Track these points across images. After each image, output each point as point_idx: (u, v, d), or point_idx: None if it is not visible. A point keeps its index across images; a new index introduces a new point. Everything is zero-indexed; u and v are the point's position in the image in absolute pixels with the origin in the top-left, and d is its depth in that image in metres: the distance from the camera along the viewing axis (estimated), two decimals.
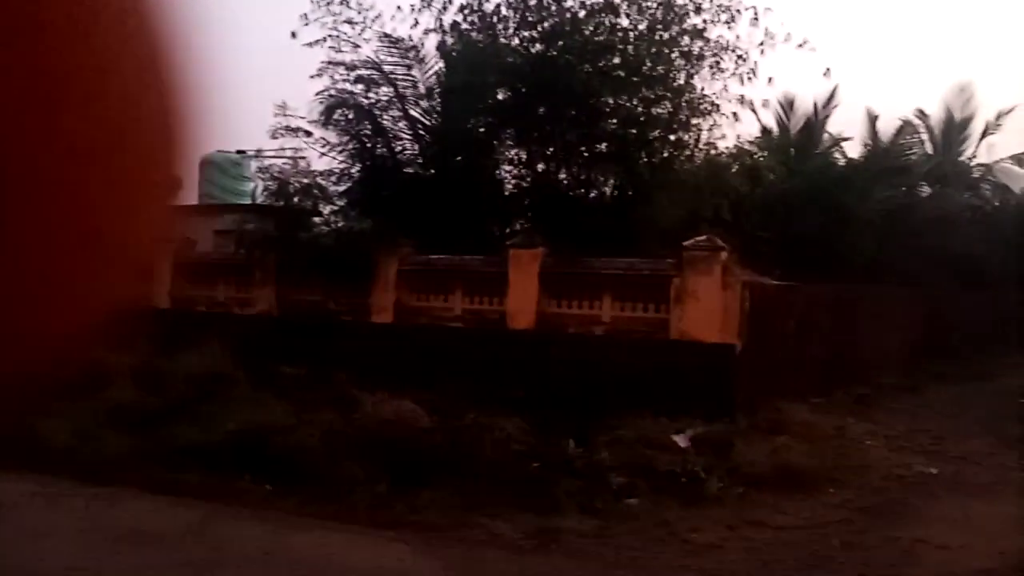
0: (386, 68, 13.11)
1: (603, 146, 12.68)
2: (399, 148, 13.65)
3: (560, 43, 12.25)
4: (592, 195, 13.10)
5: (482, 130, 13.04)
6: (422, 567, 5.73)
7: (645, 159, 12.43)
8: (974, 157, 21.41)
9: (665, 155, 12.80)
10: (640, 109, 12.44)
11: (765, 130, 17.84)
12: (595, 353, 10.22)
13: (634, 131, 12.31)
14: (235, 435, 7.93)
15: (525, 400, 9.16)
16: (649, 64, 12.24)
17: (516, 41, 12.87)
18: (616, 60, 12.28)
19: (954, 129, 21.24)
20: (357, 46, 13.00)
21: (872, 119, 19.40)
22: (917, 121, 20.46)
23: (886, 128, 19.28)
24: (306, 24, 12.91)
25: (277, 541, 5.99)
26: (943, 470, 8.62)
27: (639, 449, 8.11)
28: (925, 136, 20.87)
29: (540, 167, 13.19)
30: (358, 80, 13.11)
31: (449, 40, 13.10)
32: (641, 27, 12.42)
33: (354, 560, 5.80)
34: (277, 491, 7.16)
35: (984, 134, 21.37)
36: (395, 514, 6.65)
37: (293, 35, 13.06)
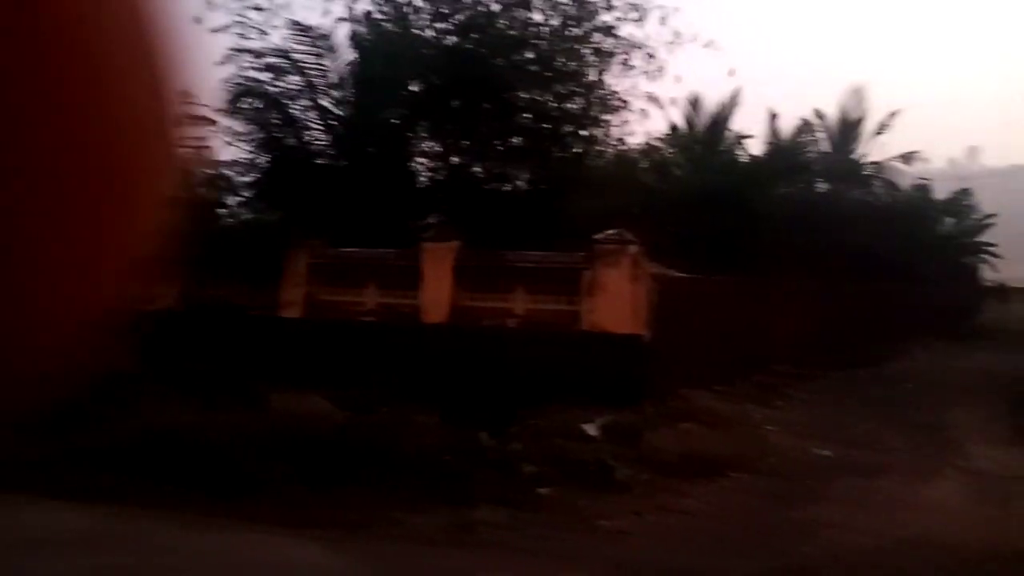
0: (295, 56, 12.81)
1: (517, 140, 12.78)
2: (309, 138, 13.37)
3: (474, 36, 12.26)
4: (507, 189, 13.19)
5: (395, 122, 12.92)
6: (335, 564, 5.66)
7: (559, 154, 12.60)
8: (866, 155, 22.63)
9: (578, 150, 13.01)
10: (553, 104, 12.60)
11: (673, 127, 18.36)
12: (509, 345, 10.31)
13: (548, 126, 12.46)
14: (141, 436, 7.63)
15: (440, 394, 9.16)
16: (562, 60, 12.41)
17: (430, 33, 12.80)
18: (530, 55, 12.39)
19: (848, 129, 22.41)
20: (265, 33, 12.65)
21: (773, 118, 20.24)
22: (815, 121, 21.47)
23: (786, 127, 20.15)
24: (211, 9, 12.48)
25: (186, 543, 5.81)
26: (837, 453, 9.11)
27: (552, 439, 8.25)
28: (822, 135, 21.92)
29: (455, 160, 13.18)
30: (266, 68, 12.76)
31: (361, 30, 12.91)
32: (554, 23, 12.58)
33: (266, 560, 5.68)
34: (185, 493, 6.93)
35: (876, 133, 22.66)
36: (308, 512, 6.54)
37: (198, 21, 12.58)
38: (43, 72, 0.46)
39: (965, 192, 31.30)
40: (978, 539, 6.16)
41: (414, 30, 12.73)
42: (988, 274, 36.32)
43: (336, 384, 9.22)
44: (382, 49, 12.49)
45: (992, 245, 33.52)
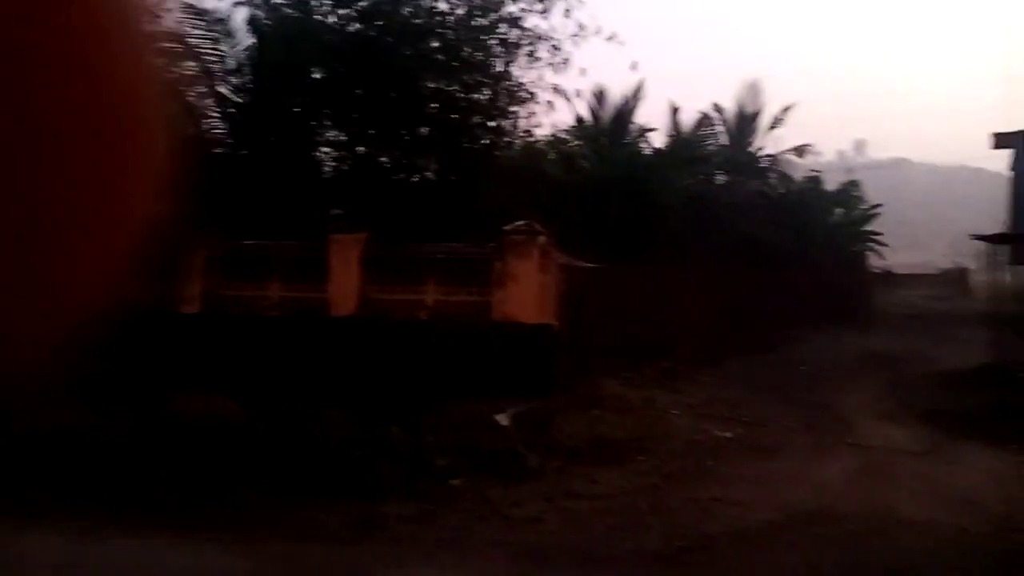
0: (190, 41, 12.26)
1: (425, 130, 12.65)
2: (206, 126, 12.84)
3: (378, 24, 12.04)
4: (415, 179, 13.04)
5: (298, 110, 12.56)
6: (237, 567, 5.49)
7: (467, 144, 12.54)
8: (762, 148, 23.57)
9: (486, 141, 12.99)
10: (461, 95, 12.53)
11: (579, 120, 18.61)
12: (420, 337, 10.22)
13: (455, 116, 12.37)
14: (27, 440, 7.17)
15: (349, 388, 9.01)
16: (468, 50, 12.35)
17: (332, 19, 12.49)
18: (435, 44, 12.27)
19: (745, 122, 23.25)
20: (157, 16, 12.04)
21: (674, 111, 20.79)
22: (714, 114, 22.18)
23: (686, 120, 20.74)
24: None
25: (77, 552, 5.50)
26: (737, 434, 9.48)
27: (463, 431, 8.24)
28: (721, 128, 22.68)
29: (360, 149, 12.93)
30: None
31: (260, 14, 12.48)
32: (459, 12, 12.49)
33: (163, 565, 5.45)
34: (76, 499, 6.56)
35: (771, 127, 23.61)
36: (209, 514, 6.31)
37: None
38: (37, 68, 0.45)
39: (853, 183, 33.00)
40: (867, 511, 6.53)
41: (316, 16, 12.40)
42: (875, 261, 38.51)
43: (240, 381, 8.92)
44: (282, 35, 12.10)
45: (878, 233, 35.53)
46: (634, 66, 16.37)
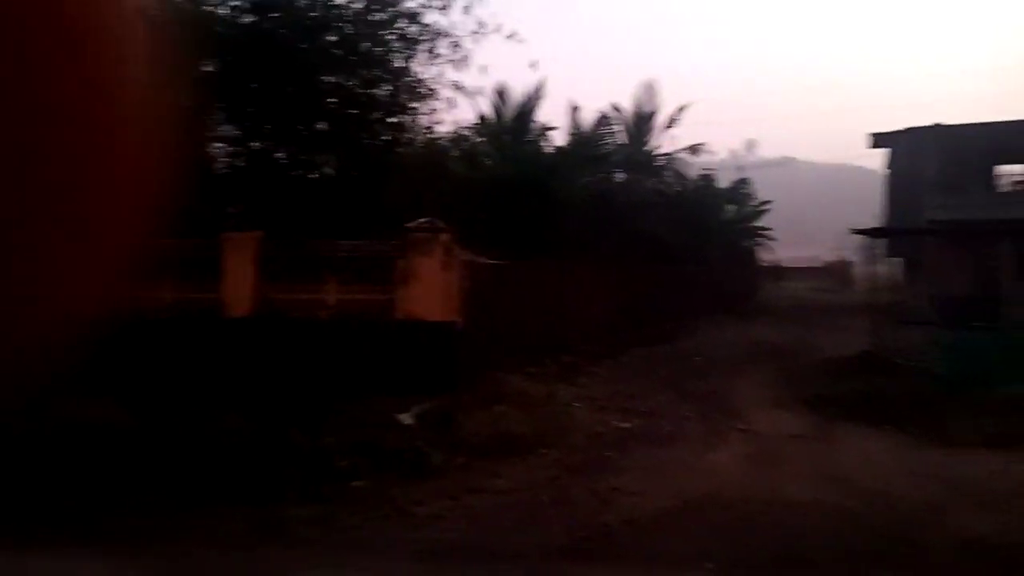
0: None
1: (323, 125, 12.40)
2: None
3: (273, 16, 11.72)
4: (314, 176, 12.77)
5: (188, 104, 12.05)
6: None
7: (367, 140, 12.38)
8: (659, 147, 24.31)
9: (387, 137, 12.85)
10: (360, 90, 12.35)
11: (482, 117, 18.69)
12: (321, 337, 10.05)
13: (354, 111, 12.19)
14: None
15: (248, 390, 8.76)
16: (367, 44, 12.18)
17: (224, 11, 12.07)
18: (333, 38, 12.04)
19: (642, 122, 23.91)
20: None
21: (574, 110, 21.19)
22: (612, 114, 22.72)
23: (586, 119, 21.17)
24: None
25: None
26: (635, 425, 9.77)
27: (365, 430, 8.16)
28: (619, 127, 23.25)
29: (255, 145, 12.55)
30: None
31: (148, 3, 11.90)
32: (357, 6, 12.30)
33: None
34: None
35: (667, 127, 24.38)
36: (95, 526, 6.01)
37: None
38: (31, 79, 0.45)
39: (744, 181, 34.51)
40: (757, 494, 6.87)
41: (206, 7, 11.95)
42: (765, 255, 40.39)
43: (131, 387, 8.53)
44: (171, 24, 11.59)
45: (768, 229, 37.29)
46: (534, 65, 16.58)
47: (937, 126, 29.54)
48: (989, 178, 31.84)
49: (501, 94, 18.90)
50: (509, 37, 13.81)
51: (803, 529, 6.01)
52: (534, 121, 18.97)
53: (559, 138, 19.97)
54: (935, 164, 28.35)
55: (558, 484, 7.25)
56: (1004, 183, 32.38)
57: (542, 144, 18.95)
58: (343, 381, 9.21)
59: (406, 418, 8.63)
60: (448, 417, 8.81)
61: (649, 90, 24.14)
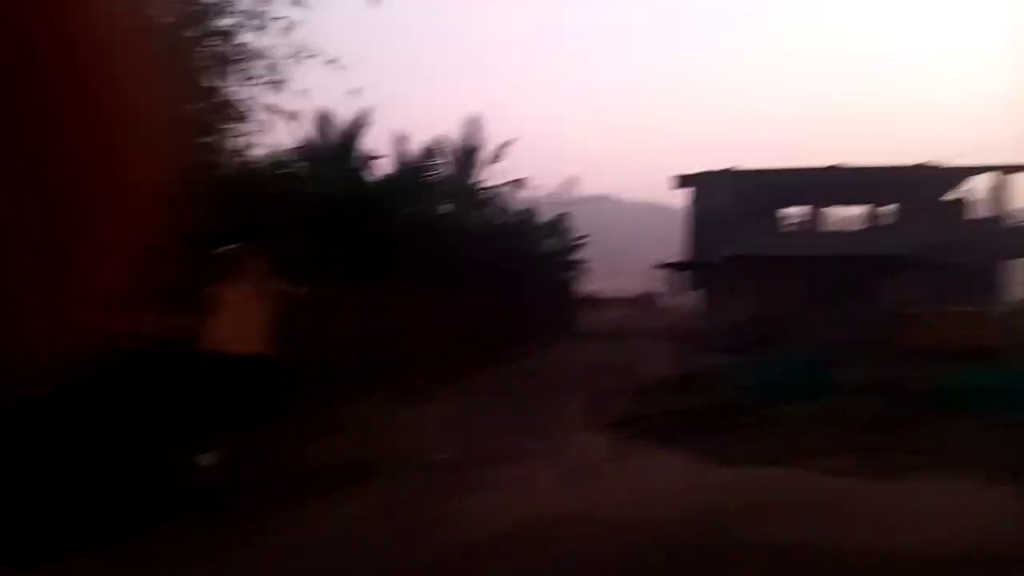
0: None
1: None
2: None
3: None
4: None
5: None
6: None
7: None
8: (484, 180, 24.90)
9: (199, 159, 12.16)
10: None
11: (304, 142, 18.21)
12: (120, 372, 9.22)
13: None
14: None
15: (41, 431, 7.83)
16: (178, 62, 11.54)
17: None
18: None
19: (468, 155, 24.42)
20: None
21: (400, 140, 21.24)
22: (439, 145, 23.02)
23: (413, 150, 21.29)
24: None
25: None
26: (468, 448, 9.83)
27: (169, 472, 7.57)
28: (446, 159, 23.58)
29: None
30: None
31: None
32: (167, 21, 11.63)
33: None
34: None
35: (493, 161, 25.04)
36: None
37: None
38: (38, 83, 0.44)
39: (563, 216, 36.11)
40: (575, 514, 7.10)
41: None
42: (583, 286, 42.36)
43: None
44: None
45: (585, 261, 39.17)
46: (358, 91, 16.43)
47: (730, 170, 32.56)
48: (775, 218, 35.47)
49: (324, 120, 18.54)
50: (330, 63, 13.59)
51: (615, 544, 6.27)
52: (358, 148, 18.76)
53: (385, 167, 19.90)
54: (729, 204, 31.20)
55: (388, 513, 7.09)
56: (788, 223, 36.20)
57: (367, 172, 18.77)
58: (146, 418, 8.50)
59: (208, 458, 8.09)
60: (267, 451, 8.38)
61: (475, 125, 24.72)
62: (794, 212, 36.11)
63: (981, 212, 32.72)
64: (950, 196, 33.84)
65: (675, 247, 38.02)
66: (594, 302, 46.75)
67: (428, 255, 17.33)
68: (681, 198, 38.23)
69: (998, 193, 32.37)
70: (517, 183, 26.57)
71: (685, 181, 34.70)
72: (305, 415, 9.86)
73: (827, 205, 35.90)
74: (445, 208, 21.90)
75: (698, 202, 34.70)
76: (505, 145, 25.06)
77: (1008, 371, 14.04)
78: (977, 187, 33.26)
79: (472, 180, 24.32)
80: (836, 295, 24.69)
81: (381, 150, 20.00)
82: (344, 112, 18.89)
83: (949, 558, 5.78)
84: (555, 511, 7.13)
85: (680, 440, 10.28)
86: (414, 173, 20.01)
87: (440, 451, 9.71)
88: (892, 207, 35.12)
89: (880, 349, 18.21)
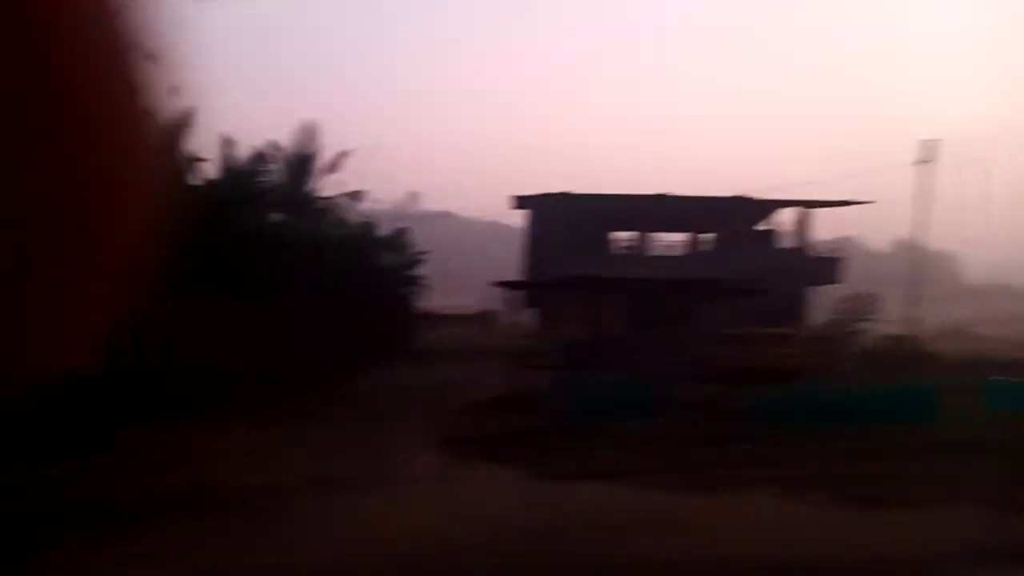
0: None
1: None
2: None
3: None
4: None
5: None
6: None
7: None
8: (319, 190, 24.03)
9: None
10: None
11: None
12: None
13: None
14: None
15: None
16: None
17: None
18: None
19: (302, 163, 23.52)
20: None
21: (228, 144, 20.06)
22: (271, 152, 22.02)
23: (242, 155, 20.23)
24: None
25: None
26: (316, 472, 9.37)
27: None
28: (277, 166, 22.60)
29: None
30: None
31: None
32: None
33: None
34: None
35: (329, 171, 24.25)
36: None
37: None
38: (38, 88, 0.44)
39: (403, 231, 35.77)
40: (407, 537, 6.92)
41: None
42: (421, 303, 42.13)
43: None
44: None
45: (425, 278, 38.99)
46: (176, 89, 15.37)
47: (564, 194, 33.65)
48: (605, 241, 37.09)
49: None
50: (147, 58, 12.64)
51: (445, 568, 6.16)
52: (178, 149, 17.55)
53: (209, 173, 18.74)
54: (563, 226, 32.25)
55: (229, 542, 6.57)
56: (617, 246, 37.98)
57: (188, 175, 17.60)
58: None
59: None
60: (75, 482, 7.56)
61: (310, 131, 23.77)
62: (623, 236, 37.98)
63: (788, 242, 35.96)
64: (761, 226, 36.93)
65: (514, 266, 38.76)
66: (433, 319, 46.65)
67: (258, 268, 16.51)
68: (520, 218, 39.13)
69: (802, 226, 35.72)
70: (356, 195, 25.89)
71: (523, 202, 35.52)
72: (119, 439, 9.02)
73: (654, 231, 38.05)
74: (276, 217, 20.99)
75: (534, 223, 35.64)
76: (343, 155, 24.25)
77: (814, 389, 15.39)
78: (784, 220, 36.56)
79: (306, 189, 23.39)
80: (660, 316, 26.12)
81: (207, 154, 18.85)
82: (169, 112, 17.67)
83: (769, 567, 6.16)
84: (378, 542, 6.90)
85: (511, 457, 10.36)
86: (242, 179, 19.02)
87: (271, 476, 9.18)
88: (711, 235, 37.81)
89: (699, 369, 19.37)
